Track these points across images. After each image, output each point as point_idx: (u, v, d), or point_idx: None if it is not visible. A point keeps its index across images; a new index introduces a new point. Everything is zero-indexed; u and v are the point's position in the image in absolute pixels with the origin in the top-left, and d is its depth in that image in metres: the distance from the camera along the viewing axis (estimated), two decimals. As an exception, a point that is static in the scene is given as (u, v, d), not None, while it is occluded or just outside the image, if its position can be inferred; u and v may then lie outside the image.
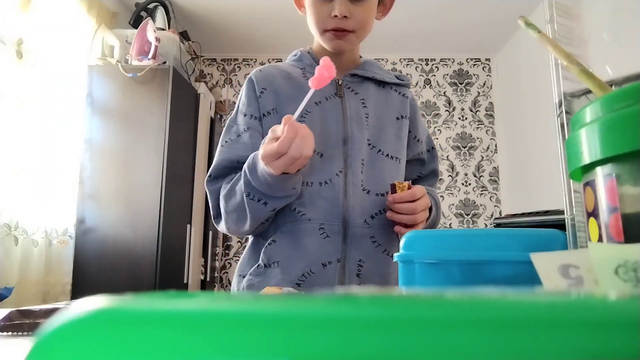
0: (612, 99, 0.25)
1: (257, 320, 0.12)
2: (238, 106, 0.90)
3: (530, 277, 0.28)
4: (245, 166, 0.78)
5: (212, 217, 0.87)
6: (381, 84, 0.92)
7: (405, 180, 0.87)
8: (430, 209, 0.84)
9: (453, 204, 3.46)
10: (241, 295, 0.14)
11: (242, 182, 0.77)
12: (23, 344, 0.48)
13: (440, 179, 3.48)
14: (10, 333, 0.53)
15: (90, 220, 2.18)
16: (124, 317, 0.12)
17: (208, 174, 0.87)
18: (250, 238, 0.90)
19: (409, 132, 0.92)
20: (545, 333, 0.11)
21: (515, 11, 2.95)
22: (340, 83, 0.88)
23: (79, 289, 2.10)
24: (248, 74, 3.45)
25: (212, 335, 0.11)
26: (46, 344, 0.12)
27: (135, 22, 2.62)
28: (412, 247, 0.44)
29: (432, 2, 2.88)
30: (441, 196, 3.46)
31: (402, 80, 0.94)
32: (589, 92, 0.40)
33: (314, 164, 0.81)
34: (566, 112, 0.41)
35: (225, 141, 0.87)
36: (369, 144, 0.85)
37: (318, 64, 0.77)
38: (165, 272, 2.21)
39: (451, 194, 3.48)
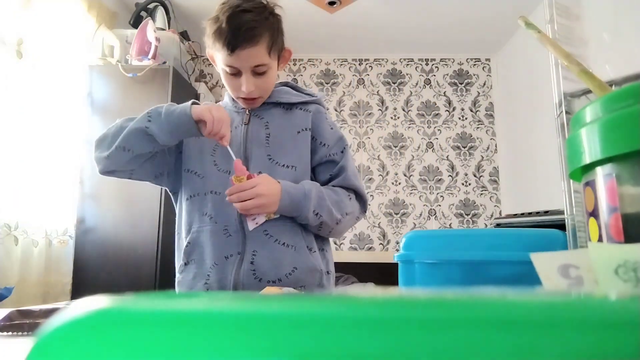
0: (612, 99, 0.25)
1: (257, 320, 0.12)
2: None
3: (530, 277, 0.28)
4: (166, 104, 0.98)
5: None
6: (288, 106, 1.09)
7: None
8: (292, 198, 0.96)
9: (453, 204, 3.46)
10: (241, 295, 0.14)
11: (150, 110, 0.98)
12: (23, 344, 0.48)
13: (440, 179, 3.49)
14: (10, 333, 0.53)
15: (90, 220, 2.18)
16: (124, 317, 0.12)
17: None
18: (175, 241, 1.09)
19: (314, 139, 1.07)
20: (545, 333, 0.11)
21: (515, 11, 2.95)
22: (247, 113, 1.07)
23: (79, 289, 2.10)
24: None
25: (212, 335, 0.11)
26: (46, 344, 0.12)
27: (135, 22, 2.62)
28: (412, 247, 0.44)
29: (432, 2, 2.88)
30: (441, 196, 3.46)
31: (309, 97, 1.11)
32: (589, 92, 0.40)
33: (222, 179, 1.01)
34: (566, 112, 0.41)
35: None
36: (270, 159, 1.03)
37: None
38: (165, 272, 2.20)
39: (451, 194, 3.48)
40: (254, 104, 1.05)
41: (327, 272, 1.06)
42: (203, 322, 0.12)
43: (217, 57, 1.00)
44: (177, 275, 1.05)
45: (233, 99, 1.10)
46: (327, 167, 1.07)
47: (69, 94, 2.21)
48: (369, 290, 0.15)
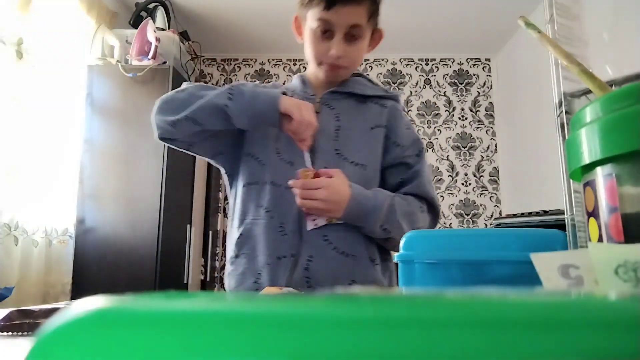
0: (612, 99, 0.25)
1: (257, 320, 0.12)
2: None
3: (530, 277, 0.28)
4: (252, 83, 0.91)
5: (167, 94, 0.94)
6: (362, 98, 1.01)
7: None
8: (361, 208, 0.88)
9: (453, 204, 3.46)
10: (241, 295, 0.14)
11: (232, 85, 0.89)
12: (23, 344, 0.48)
13: (440, 179, 3.49)
14: (10, 333, 0.53)
15: (90, 220, 2.18)
16: (124, 317, 0.12)
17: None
18: (228, 230, 1.02)
19: (388, 138, 0.98)
20: (545, 333, 0.11)
21: (515, 11, 2.94)
22: (318, 101, 0.99)
23: (79, 289, 2.10)
24: (248, 74, 3.42)
25: (212, 335, 0.11)
26: (46, 344, 0.12)
27: (135, 22, 2.62)
28: (412, 247, 0.44)
29: (432, 2, 2.88)
30: (441, 196, 3.46)
31: (387, 94, 1.03)
32: (589, 92, 0.40)
33: (284, 170, 0.93)
34: (566, 112, 0.41)
35: None
36: (337, 153, 0.94)
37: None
38: (165, 272, 2.21)
39: (451, 194, 3.48)
40: (337, 74, 0.97)
41: (389, 287, 0.97)
42: (203, 322, 0.12)
43: (309, 15, 0.92)
44: (228, 266, 0.97)
45: (304, 82, 1.03)
46: (399, 170, 0.98)
47: (69, 94, 2.21)
48: (369, 290, 0.15)
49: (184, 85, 0.95)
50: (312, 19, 0.91)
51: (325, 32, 0.91)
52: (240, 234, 0.94)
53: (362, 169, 0.94)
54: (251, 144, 0.97)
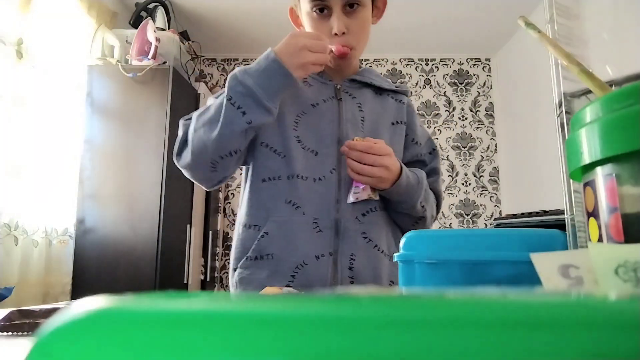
0: (612, 99, 0.25)
1: (257, 320, 0.12)
2: None
3: (530, 277, 0.28)
4: (235, 71, 0.81)
5: (174, 155, 0.90)
6: (378, 90, 0.97)
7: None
8: (409, 181, 0.85)
9: (453, 204, 3.46)
10: (241, 295, 0.14)
11: (225, 92, 0.79)
12: (23, 344, 0.48)
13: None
14: (10, 333, 0.53)
15: (90, 220, 2.18)
16: (124, 317, 0.12)
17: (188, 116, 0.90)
18: (239, 229, 0.91)
19: (407, 135, 0.97)
20: (545, 333, 0.11)
21: (515, 11, 2.95)
22: (338, 87, 0.94)
23: (79, 289, 2.10)
24: (248, 74, 3.32)
25: (212, 335, 0.11)
26: (46, 344, 0.12)
27: (135, 22, 2.62)
28: (412, 247, 0.44)
29: (432, 2, 2.88)
30: (441, 196, 3.46)
31: (399, 88, 1.00)
32: (589, 92, 0.40)
33: (309, 160, 0.86)
34: (566, 112, 0.41)
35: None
36: None
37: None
38: (165, 272, 2.20)
39: (451, 194, 3.48)
40: (346, 57, 0.89)
41: None
42: (203, 322, 0.12)
43: (303, 1, 0.87)
44: (239, 270, 0.86)
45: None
46: (415, 168, 0.95)
47: (69, 94, 2.21)
48: (369, 290, 0.15)
49: (182, 127, 0.88)
50: (305, 1, 0.86)
51: (322, 10, 0.85)
52: (265, 233, 0.84)
53: None
54: (267, 134, 0.88)
